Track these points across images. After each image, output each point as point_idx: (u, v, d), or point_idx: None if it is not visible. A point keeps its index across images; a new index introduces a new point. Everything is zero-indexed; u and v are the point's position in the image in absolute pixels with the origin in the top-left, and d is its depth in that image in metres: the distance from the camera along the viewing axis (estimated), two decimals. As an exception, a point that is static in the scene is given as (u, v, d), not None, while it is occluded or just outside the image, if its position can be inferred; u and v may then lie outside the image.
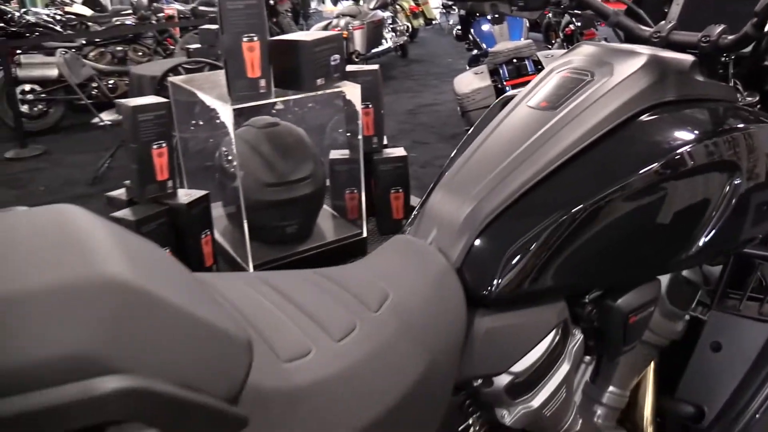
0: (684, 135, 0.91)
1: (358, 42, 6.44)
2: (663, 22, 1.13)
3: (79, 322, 0.42)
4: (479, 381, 0.87)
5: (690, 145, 0.89)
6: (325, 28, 6.65)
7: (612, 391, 1.07)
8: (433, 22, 9.60)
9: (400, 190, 1.63)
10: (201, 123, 1.58)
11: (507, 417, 0.91)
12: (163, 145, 1.33)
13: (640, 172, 0.87)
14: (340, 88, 1.42)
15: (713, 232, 0.93)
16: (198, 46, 3.66)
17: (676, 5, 1.22)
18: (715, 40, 1.00)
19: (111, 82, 5.14)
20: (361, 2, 7.52)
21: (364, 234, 1.59)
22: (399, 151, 1.66)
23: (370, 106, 1.61)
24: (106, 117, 3.91)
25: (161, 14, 5.79)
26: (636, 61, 0.95)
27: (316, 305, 0.74)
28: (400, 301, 0.78)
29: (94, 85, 4.64)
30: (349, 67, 1.52)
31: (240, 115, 1.40)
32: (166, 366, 0.46)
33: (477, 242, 0.85)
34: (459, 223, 0.87)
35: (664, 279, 1.02)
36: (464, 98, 3.33)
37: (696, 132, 0.92)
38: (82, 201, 3.47)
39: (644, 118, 0.92)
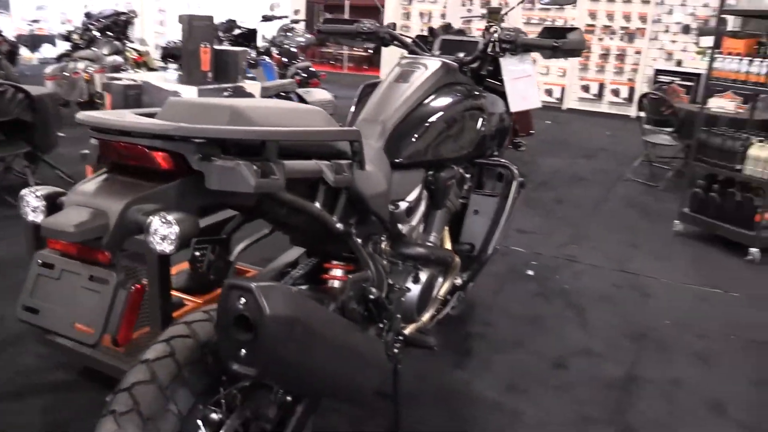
0: (461, 96, 1.98)
1: (99, 84, 6.68)
2: (433, 50, 2.23)
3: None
4: (393, 206, 1.78)
5: (464, 101, 1.96)
6: (62, 70, 6.73)
7: (434, 235, 2.06)
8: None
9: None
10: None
11: (403, 229, 1.83)
12: (137, 114, 1.93)
13: (446, 110, 1.90)
14: (245, 83, 2.20)
15: (472, 145, 2.02)
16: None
17: (436, 44, 2.32)
18: (461, 60, 2.11)
19: None
20: (93, 48, 7.66)
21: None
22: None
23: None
24: None
25: None
26: (437, 62, 1.99)
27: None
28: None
29: None
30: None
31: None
32: None
33: (388, 139, 1.78)
34: (379, 129, 1.79)
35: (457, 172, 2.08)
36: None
37: (465, 95, 1.99)
38: None
39: (444, 88, 1.96)
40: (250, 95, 2.26)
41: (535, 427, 2.12)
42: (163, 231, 0.95)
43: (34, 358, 2.32)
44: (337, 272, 1.66)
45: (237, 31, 5.38)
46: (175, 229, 0.94)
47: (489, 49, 2.07)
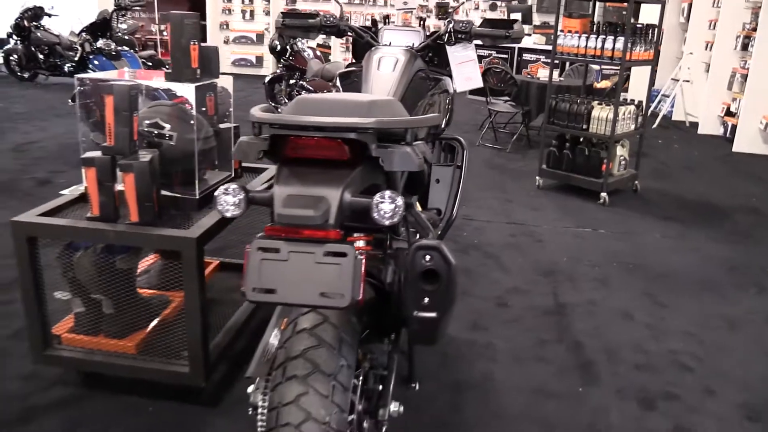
0: (433, 81, 2.27)
1: None
2: (380, 40, 2.48)
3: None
4: None
5: (437, 84, 2.26)
6: None
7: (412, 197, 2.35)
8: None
9: (237, 149, 2.51)
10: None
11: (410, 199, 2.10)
12: (137, 114, 1.93)
13: (428, 93, 2.19)
14: (219, 79, 2.27)
15: (444, 122, 2.33)
16: None
17: (381, 34, 2.57)
18: (412, 47, 2.40)
19: None
20: None
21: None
22: (230, 125, 2.53)
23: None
24: None
25: None
26: (406, 51, 2.26)
27: None
28: None
29: None
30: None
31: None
32: None
33: None
34: None
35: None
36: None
37: (435, 79, 2.29)
38: None
39: (419, 74, 2.24)
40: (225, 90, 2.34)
41: (508, 353, 2.53)
42: (388, 207, 1.13)
43: (21, 381, 2.20)
44: (360, 243, 1.88)
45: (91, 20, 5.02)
46: (400, 203, 1.14)
47: (446, 39, 2.38)
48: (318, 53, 6.90)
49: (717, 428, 2.13)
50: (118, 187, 1.99)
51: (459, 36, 2.35)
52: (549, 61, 7.35)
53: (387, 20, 2.72)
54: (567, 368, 2.46)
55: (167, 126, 2.12)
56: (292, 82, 6.83)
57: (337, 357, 1.28)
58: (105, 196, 1.95)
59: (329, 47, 11.24)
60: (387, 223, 1.16)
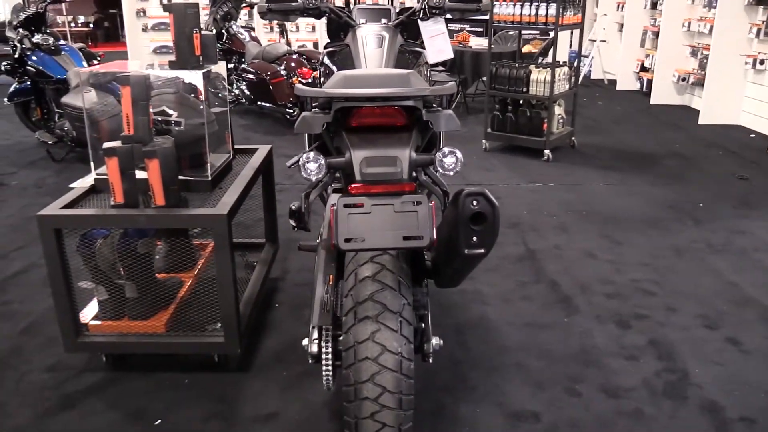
0: (414, 54, 2.47)
1: None
2: (356, 19, 2.65)
3: None
4: None
5: (418, 58, 2.46)
6: None
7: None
8: None
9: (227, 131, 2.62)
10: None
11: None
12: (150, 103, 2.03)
13: (414, 66, 2.38)
14: (218, 65, 2.37)
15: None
16: None
17: (355, 13, 2.73)
18: (387, 23, 2.59)
19: None
20: None
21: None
22: (224, 108, 2.63)
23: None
24: None
25: None
26: (388, 28, 2.44)
27: None
28: None
29: None
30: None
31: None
32: None
33: None
34: None
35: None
36: (92, 110, 3.93)
37: (416, 53, 2.49)
38: None
39: (401, 48, 2.43)
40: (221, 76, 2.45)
41: (496, 296, 2.81)
42: (451, 161, 1.33)
43: (47, 372, 2.27)
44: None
45: (22, 15, 4.82)
46: (460, 156, 1.34)
47: (420, 14, 2.57)
48: (254, 35, 6.90)
49: (684, 337, 2.49)
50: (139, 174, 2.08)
51: (433, 11, 2.55)
52: (473, 30, 7.64)
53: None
54: (549, 303, 2.76)
55: (174, 113, 2.22)
56: (230, 66, 6.81)
57: (399, 297, 1.48)
58: (128, 183, 2.04)
59: (253, 28, 11.13)
60: (451, 174, 1.36)
